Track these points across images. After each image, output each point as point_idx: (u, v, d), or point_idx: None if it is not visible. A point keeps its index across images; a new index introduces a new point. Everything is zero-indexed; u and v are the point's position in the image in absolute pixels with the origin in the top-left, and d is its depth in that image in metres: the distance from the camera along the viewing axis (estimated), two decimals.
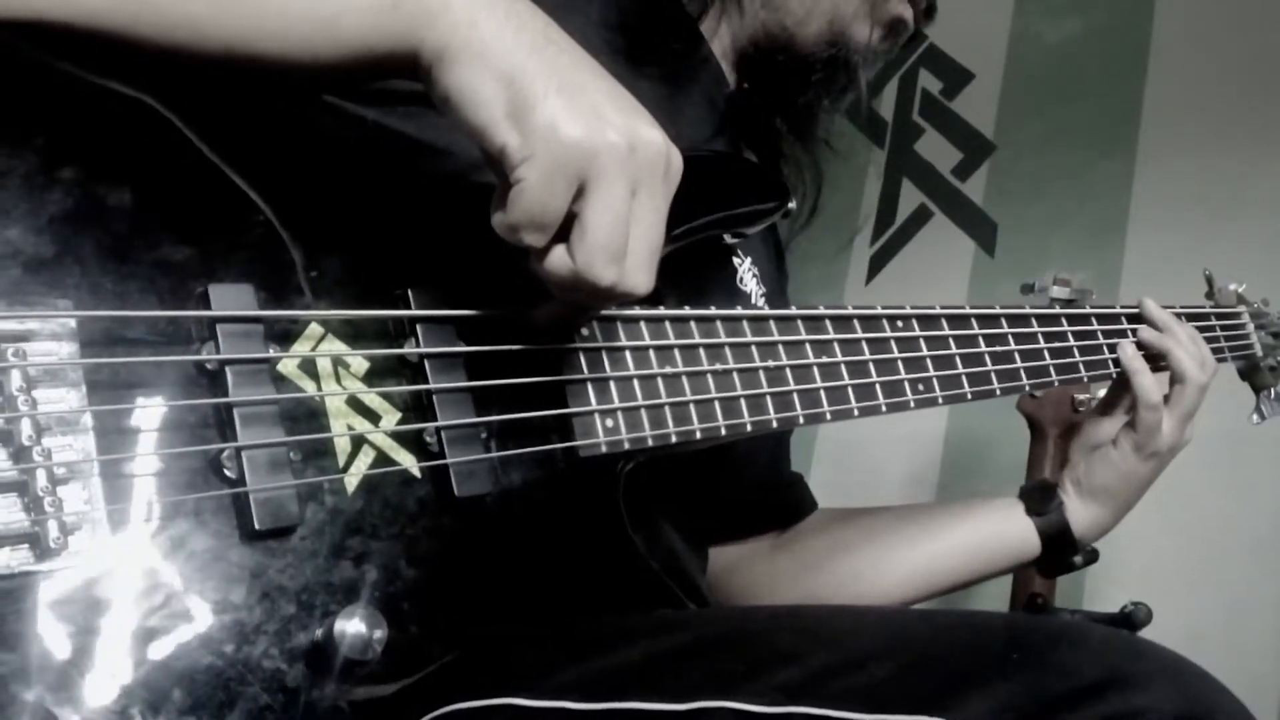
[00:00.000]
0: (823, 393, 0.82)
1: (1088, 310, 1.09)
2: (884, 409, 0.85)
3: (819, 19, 1.04)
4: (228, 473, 0.57)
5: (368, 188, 0.68)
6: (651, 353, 0.74)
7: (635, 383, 0.72)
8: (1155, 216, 2.19)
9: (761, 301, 1.02)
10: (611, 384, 0.72)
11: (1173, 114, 2.23)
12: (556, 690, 0.64)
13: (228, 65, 0.60)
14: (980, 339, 0.94)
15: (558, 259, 0.61)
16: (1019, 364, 0.97)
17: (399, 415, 0.64)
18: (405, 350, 0.65)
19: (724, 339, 0.78)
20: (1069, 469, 1.13)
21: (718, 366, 0.77)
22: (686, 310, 0.77)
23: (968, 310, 0.94)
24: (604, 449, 0.70)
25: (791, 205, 0.86)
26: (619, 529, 0.73)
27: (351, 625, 0.57)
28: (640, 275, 0.63)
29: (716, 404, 0.76)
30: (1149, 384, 1.08)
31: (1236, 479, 1.92)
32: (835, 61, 1.04)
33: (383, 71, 0.63)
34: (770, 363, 0.79)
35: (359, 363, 0.63)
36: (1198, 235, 2.07)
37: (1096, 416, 1.15)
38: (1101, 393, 1.18)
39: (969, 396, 0.92)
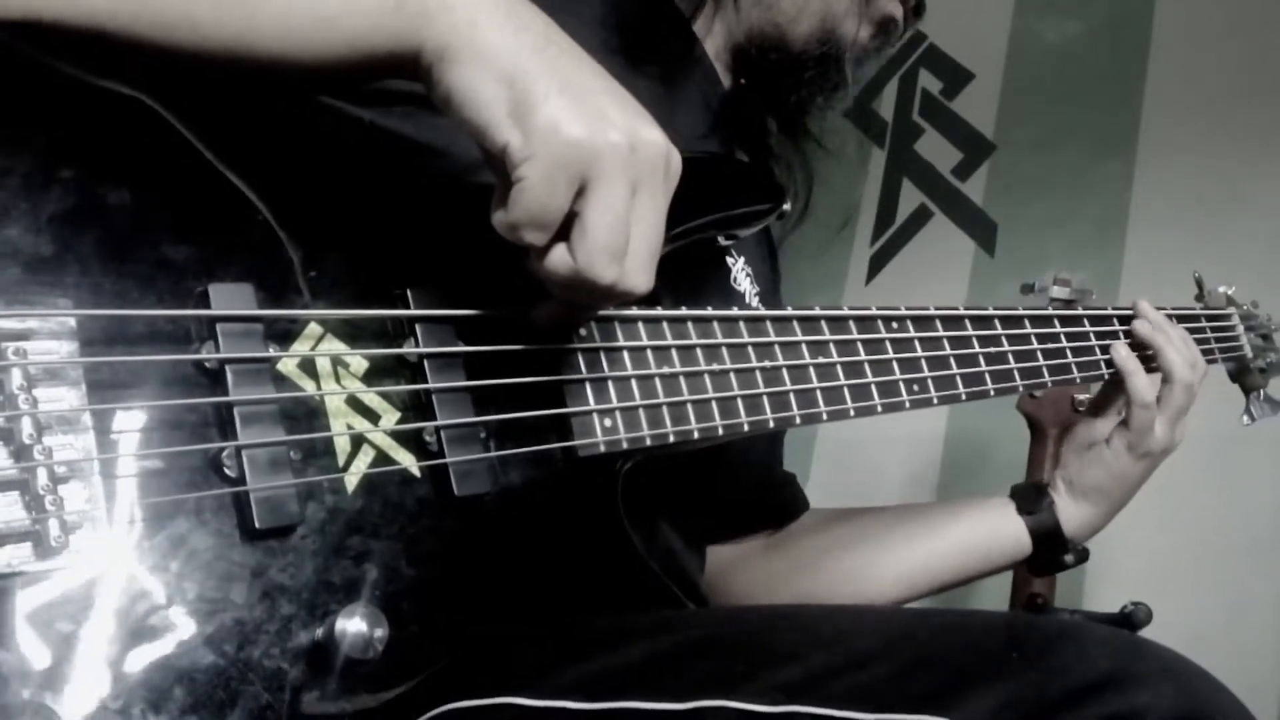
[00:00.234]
0: (819, 393, 0.82)
1: (1080, 311, 1.09)
2: (880, 409, 0.86)
3: (811, 17, 1.04)
4: (228, 472, 0.57)
5: (366, 188, 0.68)
6: (649, 353, 0.74)
7: (633, 383, 0.73)
8: (1155, 216, 2.19)
9: (755, 301, 1.02)
10: (610, 384, 0.72)
11: (1173, 114, 2.23)
12: (557, 690, 0.64)
13: (228, 65, 0.60)
14: (974, 340, 0.95)
15: (558, 258, 0.61)
16: (1012, 365, 0.98)
17: (398, 415, 0.64)
18: (404, 350, 0.65)
19: (721, 339, 0.78)
20: (1061, 468, 1.14)
21: (715, 367, 0.77)
22: (684, 311, 0.77)
23: (962, 311, 0.95)
24: (602, 449, 0.71)
25: (786, 207, 0.87)
26: (618, 528, 0.73)
27: (352, 624, 0.57)
28: (640, 275, 0.63)
29: (714, 404, 0.76)
30: (1143, 384, 1.09)
31: (1236, 479, 1.92)
32: (827, 59, 1.04)
33: (383, 71, 0.63)
34: (767, 363, 0.80)
35: (358, 362, 0.63)
36: (1198, 235, 2.07)
37: (1089, 417, 1.16)
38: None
39: (963, 397, 0.92)
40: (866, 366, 0.86)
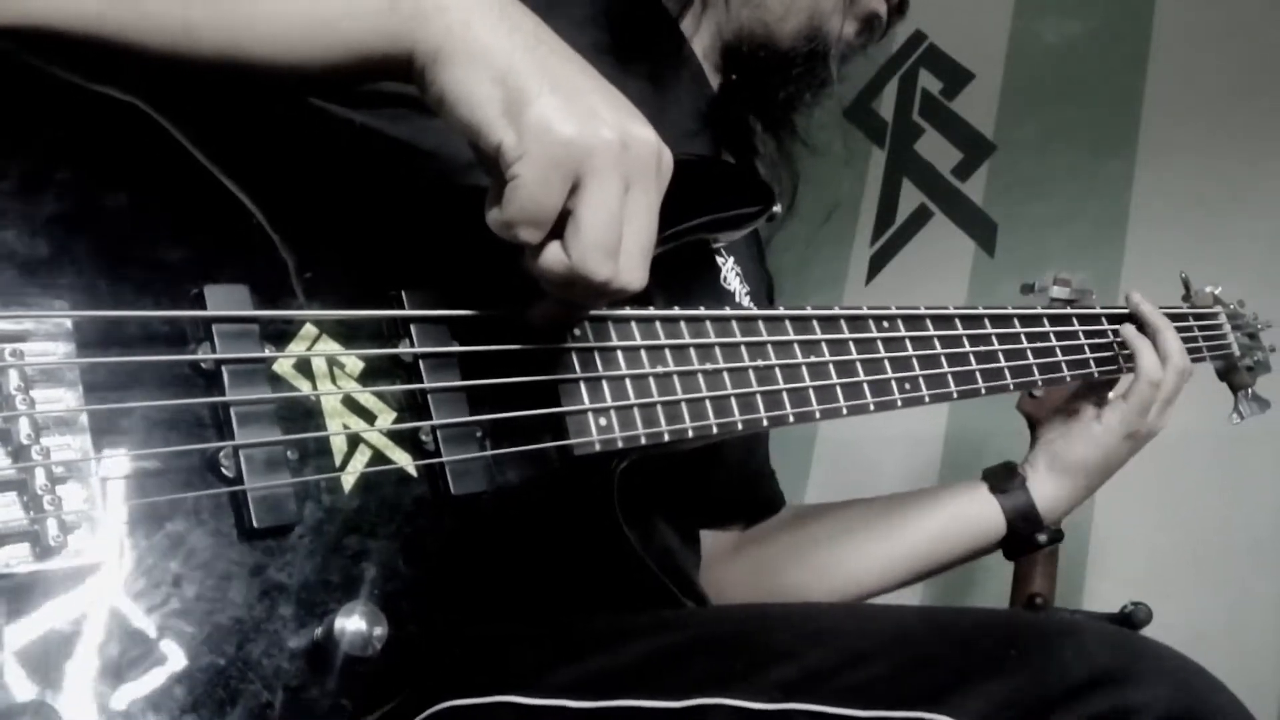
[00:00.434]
0: (811, 391, 0.83)
1: (1068, 311, 1.10)
2: (872, 408, 0.86)
3: (798, 14, 1.05)
4: (225, 472, 0.57)
5: (359, 190, 0.69)
6: (643, 352, 0.74)
7: (628, 382, 0.73)
8: (1155, 216, 2.18)
9: (746, 300, 1.03)
10: (604, 383, 0.72)
11: (1173, 114, 2.23)
12: (554, 689, 0.64)
13: (221, 69, 0.61)
14: (965, 339, 0.95)
15: (553, 255, 0.62)
16: (1003, 363, 0.98)
17: (394, 414, 0.64)
18: (400, 350, 0.65)
19: (714, 339, 0.78)
20: (1044, 444, 1.14)
21: (708, 366, 0.77)
22: (677, 310, 0.77)
23: (952, 311, 0.95)
24: (598, 448, 0.71)
25: (776, 209, 0.87)
26: (614, 527, 0.73)
27: (351, 622, 0.57)
28: (635, 271, 0.63)
29: (708, 403, 0.77)
30: (1151, 361, 1.11)
31: (1236, 479, 1.92)
32: (814, 56, 1.05)
33: (377, 74, 0.64)
34: (760, 362, 0.80)
35: (354, 363, 0.64)
36: (1198, 235, 2.07)
37: (1083, 393, 1.16)
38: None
39: (954, 395, 0.93)
40: (859, 365, 0.86)
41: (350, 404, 0.63)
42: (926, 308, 0.93)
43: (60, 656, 0.50)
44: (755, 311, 0.82)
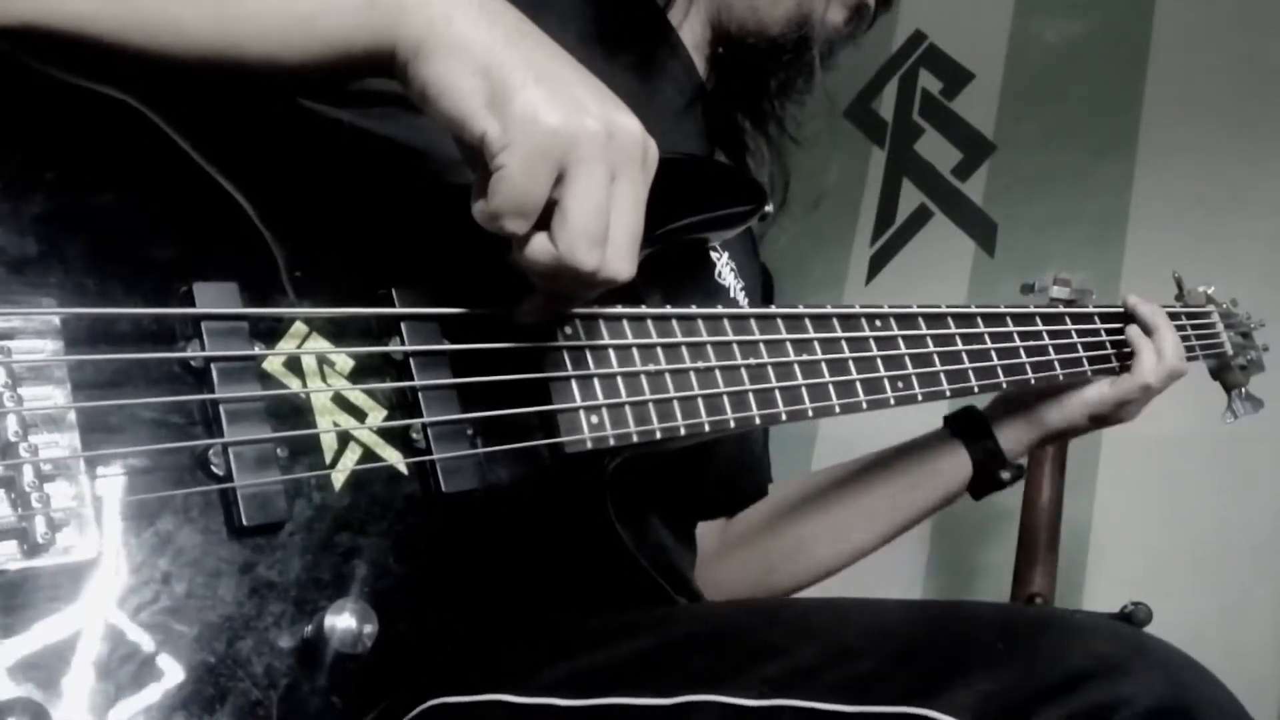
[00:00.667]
0: (804, 389, 0.83)
1: (1062, 310, 1.11)
2: (865, 406, 0.86)
3: (787, 2, 1.04)
4: (215, 469, 0.57)
5: (349, 188, 0.69)
6: (635, 350, 0.74)
7: (619, 380, 0.73)
8: (1155, 216, 2.18)
9: (740, 295, 1.02)
10: (595, 381, 0.72)
11: (1173, 114, 2.23)
12: (544, 687, 0.64)
13: (210, 67, 0.61)
14: (957, 338, 0.96)
15: (539, 246, 0.62)
16: (995, 361, 0.99)
17: (385, 412, 0.64)
18: (390, 348, 0.65)
19: (706, 337, 0.78)
20: (1017, 390, 1.15)
21: (700, 364, 0.77)
22: (668, 309, 0.77)
23: (944, 310, 0.96)
24: (589, 446, 0.71)
25: (769, 208, 0.87)
26: (606, 525, 0.73)
27: (341, 620, 0.57)
28: (622, 261, 0.63)
29: (700, 401, 0.76)
30: (1150, 365, 1.14)
31: (1236, 479, 1.92)
32: (803, 44, 1.05)
33: (361, 70, 0.64)
34: (752, 360, 0.80)
35: (344, 361, 0.64)
36: (1198, 235, 2.07)
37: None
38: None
39: (947, 394, 0.93)
40: (851, 364, 0.86)
41: (340, 402, 0.63)
42: (919, 306, 0.93)
43: (49, 654, 0.50)
44: (748, 310, 0.82)
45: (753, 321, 0.82)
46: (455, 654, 0.64)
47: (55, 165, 0.56)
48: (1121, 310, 1.19)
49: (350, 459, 0.62)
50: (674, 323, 0.77)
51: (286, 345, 0.62)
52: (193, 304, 0.58)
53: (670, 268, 0.81)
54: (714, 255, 1.00)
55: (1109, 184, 2.25)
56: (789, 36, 1.04)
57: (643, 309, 0.76)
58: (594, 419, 0.71)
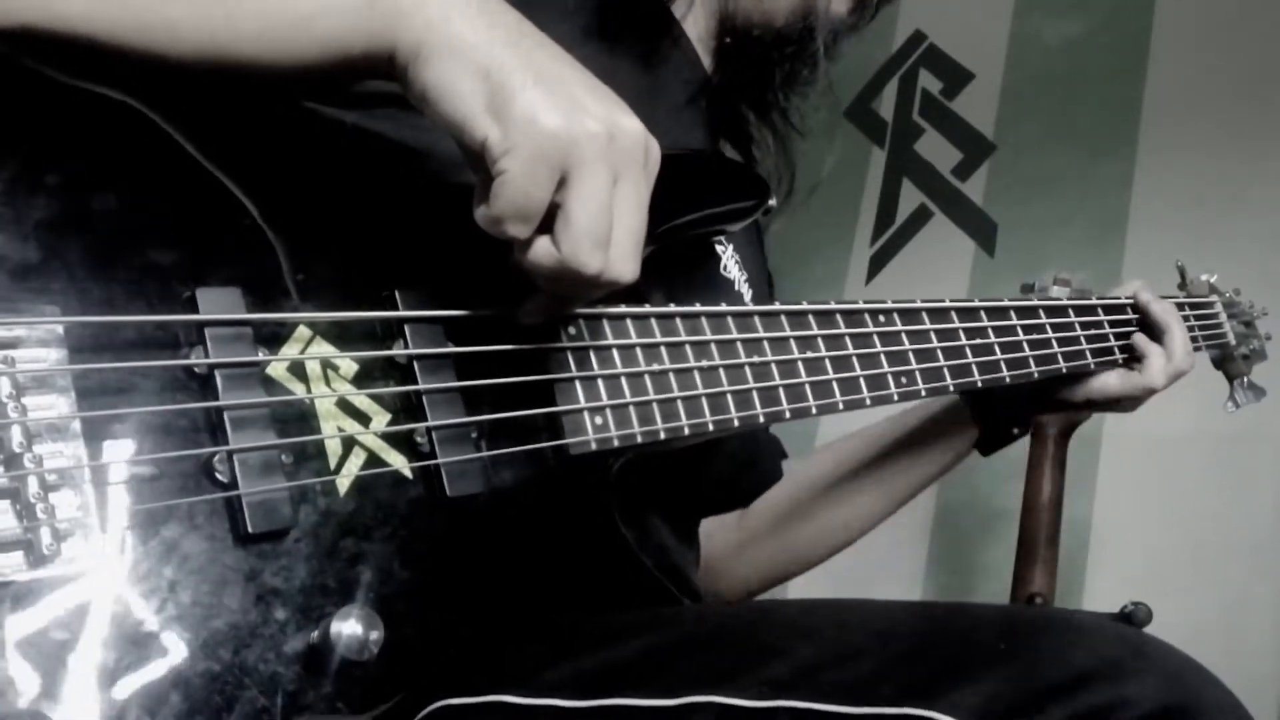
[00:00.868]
0: (808, 387, 0.82)
1: (1065, 302, 1.10)
2: (868, 402, 0.86)
3: None
4: (219, 476, 0.57)
5: (352, 190, 0.69)
6: (638, 350, 0.74)
7: (623, 380, 0.73)
8: (1155, 216, 2.18)
9: (745, 287, 1.02)
10: (600, 382, 0.72)
11: (1173, 114, 2.23)
12: (547, 688, 0.64)
13: (207, 68, 0.61)
14: (961, 333, 0.95)
15: (542, 250, 0.62)
16: (999, 355, 0.99)
17: (389, 416, 0.64)
18: (394, 351, 0.65)
19: (710, 336, 0.78)
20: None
21: (704, 363, 0.77)
22: (672, 308, 0.77)
23: (948, 304, 0.95)
24: (594, 446, 0.71)
25: (773, 203, 0.87)
26: (610, 526, 0.73)
27: (347, 626, 0.57)
28: (625, 263, 0.63)
29: (704, 400, 0.76)
30: (1158, 371, 1.16)
31: (1236, 479, 1.92)
32: (807, 34, 1.05)
33: (360, 72, 0.64)
34: (756, 358, 0.80)
35: (348, 365, 0.64)
36: (1198, 235, 2.07)
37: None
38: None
39: (951, 389, 0.93)
40: (854, 360, 0.86)
41: (345, 406, 0.63)
42: (923, 301, 0.93)
43: (55, 664, 0.50)
44: (752, 308, 0.81)
45: (757, 318, 0.81)
46: (460, 656, 0.64)
47: (57, 170, 0.56)
48: (1128, 302, 1.20)
49: (355, 464, 0.62)
50: (678, 321, 0.77)
51: (290, 350, 0.62)
52: (196, 310, 0.58)
53: (674, 264, 0.81)
54: (719, 248, 1.00)
55: (1109, 184, 2.24)
56: (793, 27, 1.04)
57: (646, 308, 0.76)
58: (598, 420, 0.71)
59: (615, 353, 0.73)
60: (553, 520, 0.71)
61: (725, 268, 1.00)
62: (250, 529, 0.57)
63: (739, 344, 0.79)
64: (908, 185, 2.55)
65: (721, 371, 0.78)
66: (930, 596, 2.15)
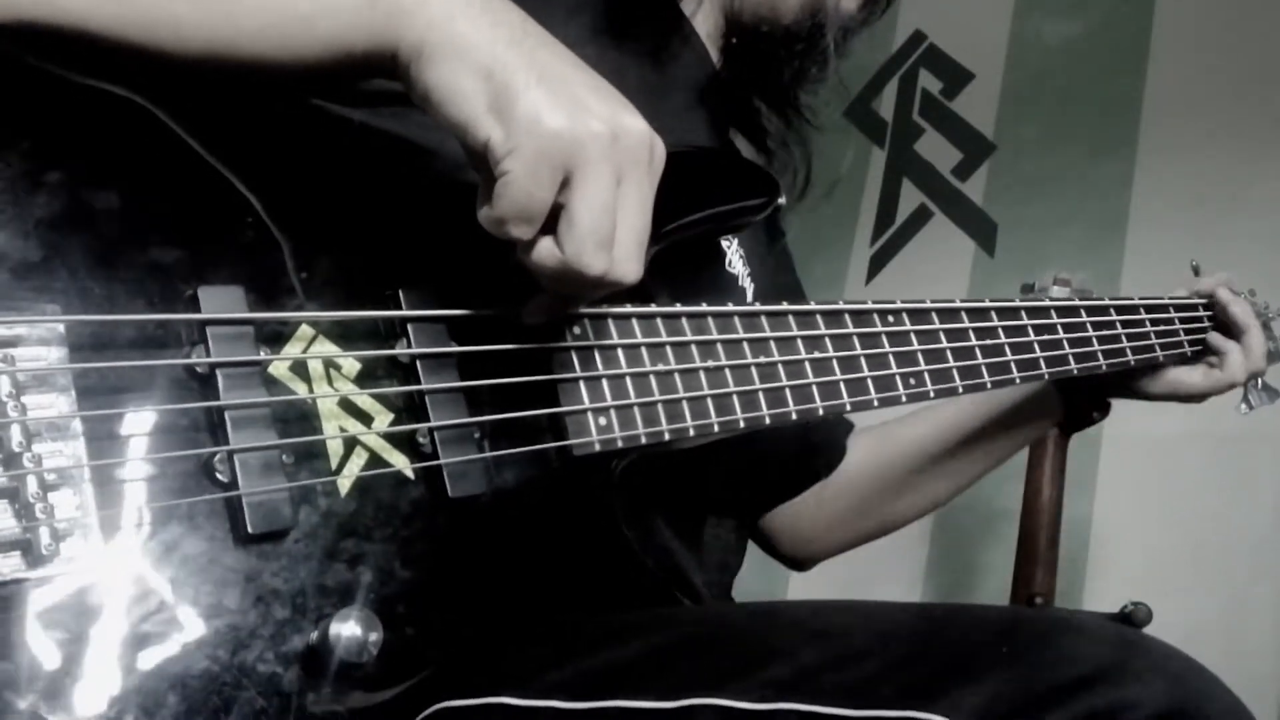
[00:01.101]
0: (815, 388, 0.82)
1: (1078, 302, 1.10)
2: (876, 404, 0.85)
3: None
4: (220, 476, 0.57)
5: (356, 189, 0.68)
6: (644, 350, 0.74)
7: (628, 380, 0.72)
8: (1155, 216, 2.19)
9: (748, 282, 1.02)
10: (604, 382, 0.72)
11: (1173, 114, 2.23)
12: (547, 689, 0.64)
13: (210, 65, 0.61)
14: (971, 333, 0.95)
15: (546, 250, 0.62)
16: (1009, 356, 0.98)
17: (391, 416, 0.64)
18: (397, 351, 0.65)
19: (716, 335, 0.78)
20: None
21: (710, 363, 0.77)
22: (678, 307, 0.77)
23: (959, 304, 0.94)
24: (598, 447, 0.70)
25: (781, 201, 0.86)
26: (613, 527, 0.73)
27: (346, 628, 0.57)
28: (629, 263, 0.63)
29: (709, 401, 0.76)
30: (1239, 366, 1.20)
31: (1236, 479, 1.92)
32: (817, 32, 1.04)
33: (362, 70, 0.64)
34: (762, 359, 0.79)
35: (350, 364, 0.63)
36: (1198, 235, 2.07)
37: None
38: None
39: (960, 390, 0.92)
40: (862, 361, 0.85)
41: (347, 406, 0.62)
42: (932, 301, 0.92)
43: (53, 665, 0.50)
44: (759, 308, 0.81)
45: (764, 319, 0.81)
46: (460, 657, 0.64)
47: (58, 167, 0.55)
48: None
49: (356, 464, 0.62)
50: (683, 321, 0.77)
51: (292, 349, 0.61)
52: (198, 309, 0.58)
53: (680, 262, 0.80)
54: (724, 244, 0.99)
55: (1109, 184, 2.25)
56: (802, 25, 1.04)
57: (652, 308, 0.75)
58: (602, 420, 0.71)
59: (620, 353, 0.73)
60: (555, 521, 0.70)
61: (730, 263, 1.00)
62: (250, 529, 0.56)
63: (745, 344, 0.79)
64: (908, 185, 2.56)
65: (727, 372, 0.77)
66: (930, 596, 2.15)
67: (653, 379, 0.74)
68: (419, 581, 0.63)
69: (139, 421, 0.55)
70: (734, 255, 1.01)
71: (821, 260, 2.53)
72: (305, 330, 0.62)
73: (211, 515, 0.56)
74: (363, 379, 0.63)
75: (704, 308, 0.78)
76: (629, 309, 0.74)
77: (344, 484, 0.61)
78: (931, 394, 0.89)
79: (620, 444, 0.71)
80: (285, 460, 0.59)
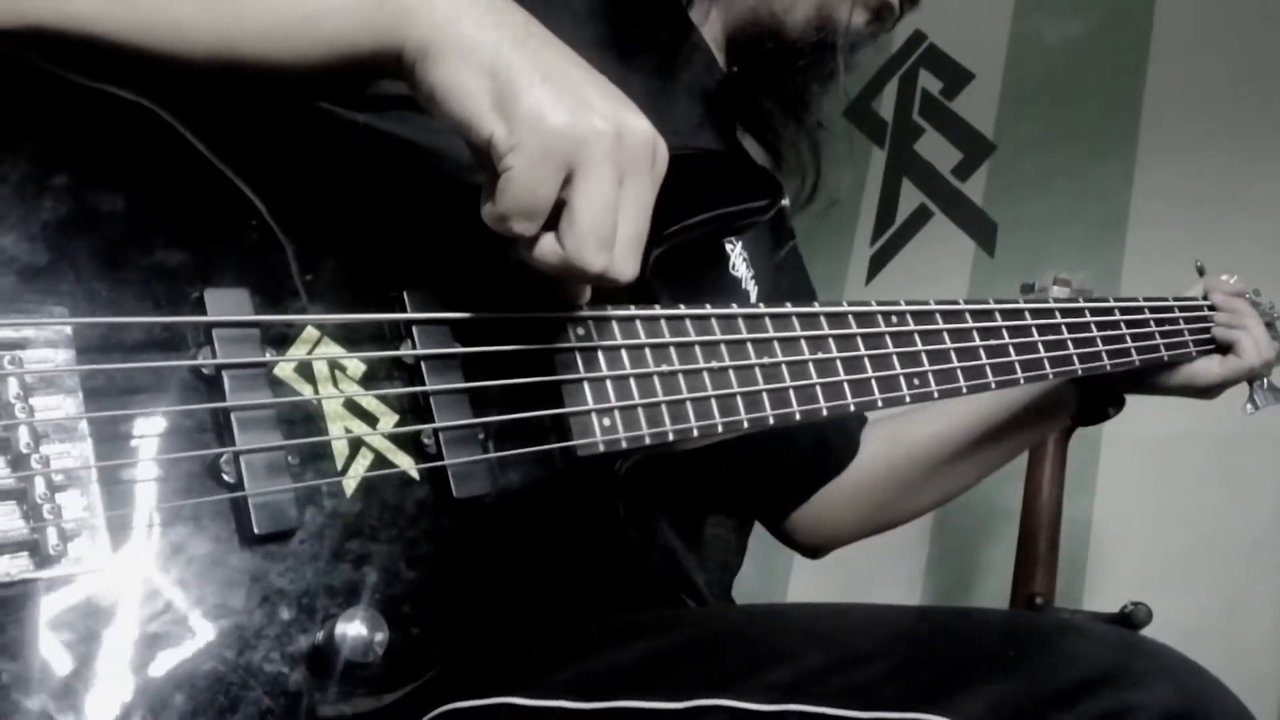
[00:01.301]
0: (818, 388, 0.82)
1: (1081, 304, 1.10)
2: (880, 404, 0.85)
3: (806, 4, 1.04)
4: (226, 477, 0.57)
5: (360, 192, 0.69)
6: (647, 351, 0.74)
7: (632, 382, 0.72)
8: (1155, 216, 2.19)
9: (751, 285, 1.02)
10: (608, 383, 0.72)
11: (1173, 114, 2.23)
12: (554, 690, 0.64)
13: (215, 68, 0.61)
14: (975, 333, 0.95)
15: (547, 247, 0.62)
16: (1014, 357, 0.98)
17: (396, 417, 0.64)
18: (401, 352, 0.65)
19: (719, 336, 0.78)
20: None
21: (714, 364, 0.77)
22: (682, 309, 0.77)
23: (962, 305, 0.94)
24: (601, 448, 0.71)
25: (785, 202, 0.86)
26: (617, 528, 0.73)
27: (352, 628, 0.57)
28: (628, 262, 0.63)
29: (713, 402, 0.76)
30: (1253, 351, 1.22)
31: (1236, 479, 1.92)
32: (822, 46, 1.04)
33: (367, 71, 0.64)
34: (766, 359, 0.79)
35: (355, 365, 0.63)
36: (1198, 235, 2.07)
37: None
38: None
39: (964, 390, 0.92)
40: (866, 361, 0.85)
41: (352, 407, 0.62)
42: (936, 302, 0.92)
43: (61, 665, 0.50)
44: (763, 309, 0.81)
45: (767, 320, 0.81)
46: (465, 658, 0.64)
47: (66, 170, 0.55)
48: (1135, 303, 1.21)
49: (361, 465, 0.62)
50: (687, 322, 0.77)
51: (298, 351, 0.61)
52: (204, 311, 0.58)
53: (684, 264, 0.81)
54: (727, 246, 0.99)
55: (1109, 184, 2.25)
56: (807, 40, 1.04)
57: (655, 309, 0.75)
58: (606, 421, 0.71)
59: (624, 354, 0.73)
60: (559, 522, 0.70)
61: (733, 266, 1.00)
62: (256, 530, 0.56)
63: (749, 345, 0.79)
64: (908, 185, 2.56)
65: (731, 373, 0.78)
66: (930, 596, 2.15)
67: (656, 380, 0.74)
68: (424, 582, 0.63)
69: (146, 423, 0.55)
70: (737, 259, 1.01)
71: (821, 260, 2.53)
72: (310, 332, 0.62)
73: (217, 516, 0.56)
74: (368, 380, 0.64)
75: (707, 309, 0.78)
76: (633, 310, 0.74)
77: (349, 485, 0.61)
78: (935, 394, 0.89)
79: (624, 445, 0.71)
80: (291, 461, 0.59)
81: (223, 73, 0.61)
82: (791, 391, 0.80)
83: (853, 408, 0.84)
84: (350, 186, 0.68)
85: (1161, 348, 1.16)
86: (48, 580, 0.51)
